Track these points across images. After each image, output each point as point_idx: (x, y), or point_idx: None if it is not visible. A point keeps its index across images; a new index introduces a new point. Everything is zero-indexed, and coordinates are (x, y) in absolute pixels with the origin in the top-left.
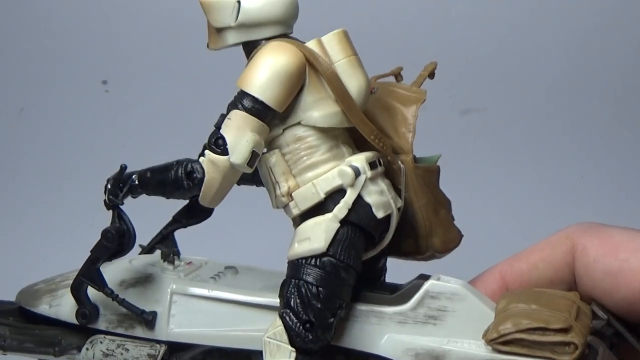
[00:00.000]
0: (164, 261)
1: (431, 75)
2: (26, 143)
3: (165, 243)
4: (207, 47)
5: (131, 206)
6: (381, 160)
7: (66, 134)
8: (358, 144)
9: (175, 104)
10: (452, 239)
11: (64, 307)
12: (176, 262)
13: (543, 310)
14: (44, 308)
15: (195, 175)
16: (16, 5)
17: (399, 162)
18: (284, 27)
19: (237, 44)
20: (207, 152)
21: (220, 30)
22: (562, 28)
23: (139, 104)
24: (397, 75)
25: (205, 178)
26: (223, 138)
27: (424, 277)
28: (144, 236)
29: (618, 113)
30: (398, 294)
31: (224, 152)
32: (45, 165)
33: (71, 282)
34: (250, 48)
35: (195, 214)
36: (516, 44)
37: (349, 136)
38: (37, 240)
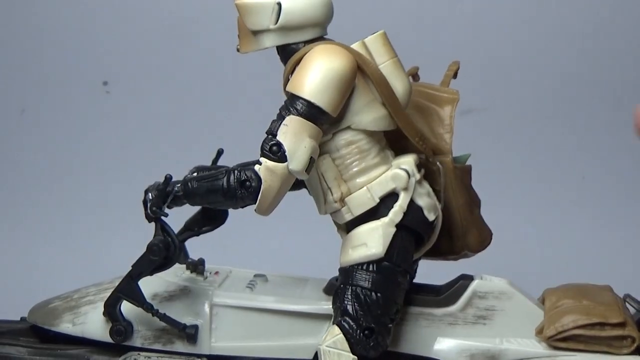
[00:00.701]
0: (192, 272)
1: (455, 75)
2: (27, 144)
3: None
4: (238, 50)
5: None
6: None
7: (67, 135)
8: (394, 146)
9: (176, 105)
10: (486, 238)
11: (91, 325)
12: (205, 273)
13: (597, 305)
14: (66, 327)
15: (249, 183)
16: (17, 7)
17: (438, 163)
18: (321, 30)
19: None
20: (262, 159)
21: (256, 33)
22: (563, 29)
23: (139, 104)
24: (415, 75)
25: (263, 186)
26: (279, 145)
27: (467, 278)
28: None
29: (618, 113)
30: (445, 295)
31: (282, 158)
32: (46, 165)
33: (92, 298)
34: (288, 51)
35: (209, 221)
36: (517, 45)
37: (386, 139)
38: (37, 240)
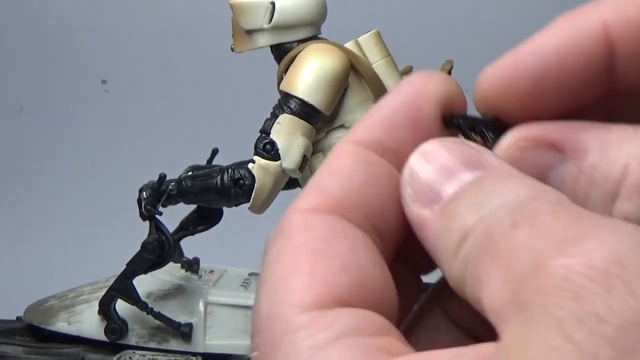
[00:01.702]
0: (187, 271)
1: (449, 73)
2: (25, 142)
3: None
4: (232, 50)
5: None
6: None
7: (66, 134)
8: None
9: (176, 104)
10: None
11: (86, 323)
12: (199, 272)
13: None
14: (61, 325)
15: (243, 181)
16: (16, 5)
17: None
18: (315, 29)
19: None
20: (256, 157)
21: (250, 32)
22: None
23: (139, 103)
24: (408, 74)
25: (256, 184)
26: (273, 143)
27: None
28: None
29: None
30: None
31: (275, 157)
32: (44, 164)
33: (87, 297)
34: (282, 50)
35: (204, 220)
36: (515, 45)
37: None
38: (36, 240)
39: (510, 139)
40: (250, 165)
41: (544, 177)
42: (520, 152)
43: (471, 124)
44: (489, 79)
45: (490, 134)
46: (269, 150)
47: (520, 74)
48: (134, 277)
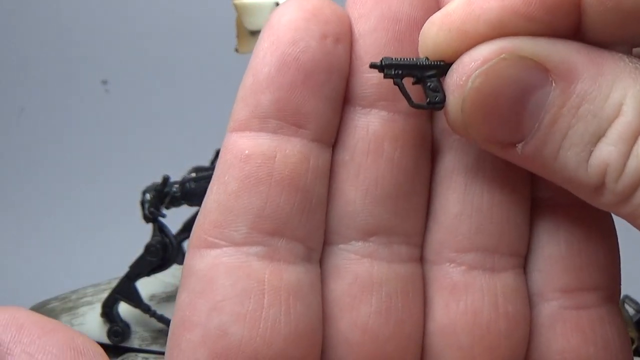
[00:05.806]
0: None
1: None
2: (26, 143)
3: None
4: (236, 51)
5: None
6: None
7: (66, 134)
8: None
9: (178, 105)
10: None
11: (89, 326)
12: None
13: None
14: None
15: None
16: (16, 5)
17: None
18: None
19: None
20: None
21: (255, 33)
22: None
23: (139, 103)
24: None
25: None
26: None
27: None
28: None
29: None
30: None
31: None
32: (45, 165)
33: (90, 299)
34: None
35: None
36: None
37: None
38: (37, 242)
39: (490, 48)
40: None
41: (523, 100)
42: (501, 64)
43: (405, 71)
44: (439, 24)
45: (430, 82)
46: None
47: (477, 19)
48: (137, 280)
